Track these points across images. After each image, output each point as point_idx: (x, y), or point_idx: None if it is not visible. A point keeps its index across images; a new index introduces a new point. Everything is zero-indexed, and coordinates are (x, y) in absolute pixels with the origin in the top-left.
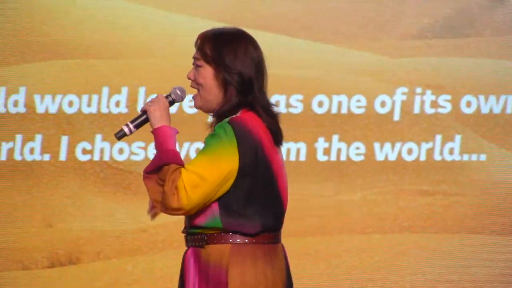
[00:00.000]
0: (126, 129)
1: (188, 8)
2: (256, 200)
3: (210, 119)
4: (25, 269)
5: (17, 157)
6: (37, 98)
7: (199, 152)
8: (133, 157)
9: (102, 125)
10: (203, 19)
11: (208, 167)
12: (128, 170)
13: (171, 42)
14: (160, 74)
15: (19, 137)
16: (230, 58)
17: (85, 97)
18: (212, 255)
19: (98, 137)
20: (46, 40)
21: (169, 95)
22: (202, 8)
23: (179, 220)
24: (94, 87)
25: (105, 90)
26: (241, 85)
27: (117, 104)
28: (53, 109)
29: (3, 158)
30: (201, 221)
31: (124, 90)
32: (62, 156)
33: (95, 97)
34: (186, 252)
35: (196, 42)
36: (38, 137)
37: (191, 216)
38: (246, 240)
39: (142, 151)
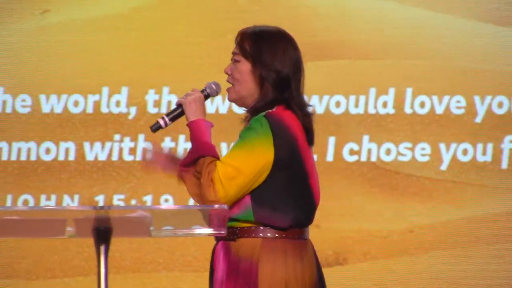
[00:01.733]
0: (161, 122)
1: (452, 8)
2: (289, 195)
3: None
4: None
5: None
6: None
7: (235, 145)
8: (400, 158)
9: (369, 125)
10: (469, 19)
11: (244, 160)
12: (395, 170)
13: (437, 43)
14: (427, 75)
15: None
16: (269, 55)
17: (352, 98)
18: (242, 248)
19: (365, 138)
20: (313, 41)
21: (205, 89)
22: (467, 9)
23: (449, 220)
24: (361, 88)
25: (372, 91)
26: (277, 82)
27: (384, 105)
28: (320, 110)
29: None
30: (233, 213)
31: (391, 91)
32: (329, 157)
33: (362, 98)
34: (216, 245)
35: (236, 38)
36: None
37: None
38: (277, 235)
39: (409, 152)
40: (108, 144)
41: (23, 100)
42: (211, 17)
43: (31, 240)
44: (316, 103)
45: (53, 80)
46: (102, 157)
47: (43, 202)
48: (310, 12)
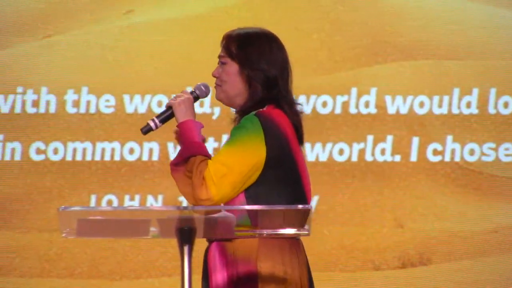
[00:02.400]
0: (152, 124)
1: None
2: (282, 193)
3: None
4: (376, 269)
5: (368, 157)
6: (388, 99)
7: (226, 144)
8: (484, 158)
9: (453, 126)
10: None
11: (235, 158)
12: (479, 171)
13: None
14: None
15: (370, 138)
16: (255, 56)
17: (435, 98)
18: (240, 248)
19: (449, 138)
20: (398, 41)
21: (194, 91)
22: None
23: None
24: (445, 88)
25: (456, 91)
26: (265, 81)
27: (468, 105)
28: (404, 110)
29: (354, 159)
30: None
31: (475, 91)
32: (413, 157)
33: (445, 98)
34: (209, 246)
35: (222, 42)
36: (389, 138)
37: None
38: (269, 235)
39: (493, 152)
40: None
41: (107, 100)
42: (295, 17)
43: (115, 240)
44: (400, 103)
45: (137, 80)
46: None
47: (127, 202)
48: (394, 12)
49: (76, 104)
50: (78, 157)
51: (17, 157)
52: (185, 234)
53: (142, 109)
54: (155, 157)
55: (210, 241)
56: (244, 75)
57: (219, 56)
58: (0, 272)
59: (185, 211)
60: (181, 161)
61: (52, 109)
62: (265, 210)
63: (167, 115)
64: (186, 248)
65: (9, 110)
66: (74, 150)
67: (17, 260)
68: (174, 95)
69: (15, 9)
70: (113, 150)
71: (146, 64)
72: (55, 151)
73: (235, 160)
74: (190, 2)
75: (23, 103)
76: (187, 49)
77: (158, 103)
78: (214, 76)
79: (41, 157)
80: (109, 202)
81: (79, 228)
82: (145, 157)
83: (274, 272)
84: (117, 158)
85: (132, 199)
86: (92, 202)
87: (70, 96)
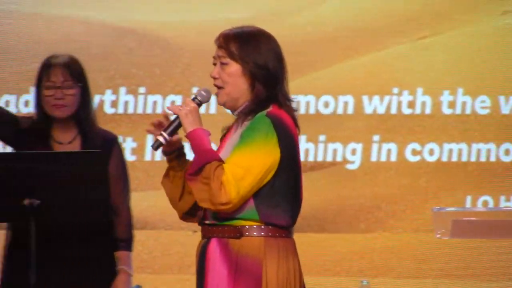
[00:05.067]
0: (161, 139)
1: None
2: (289, 193)
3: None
4: None
5: None
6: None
7: (240, 146)
8: None
9: None
10: None
11: (252, 160)
12: None
13: None
14: None
15: None
16: (256, 54)
17: None
18: (245, 247)
19: None
20: None
21: (196, 97)
22: None
23: None
24: None
25: None
26: (267, 79)
27: None
28: None
29: None
30: (237, 212)
31: None
32: None
33: None
34: (207, 242)
35: (218, 41)
36: None
37: None
38: (277, 234)
39: None
40: None
41: (482, 101)
42: None
43: (489, 241)
44: None
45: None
46: None
47: (502, 203)
48: None
49: (452, 105)
50: (454, 158)
51: (393, 158)
52: None
53: None
54: None
55: (209, 237)
56: (247, 75)
57: (218, 57)
58: (378, 272)
59: None
60: (197, 170)
61: (428, 110)
62: (274, 206)
63: (175, 126)
64: None
65: (384, 111)
66: (450, 151)
67: (394, 260)
68: (177, 105)
69: (389, 10)
70: (488, 151)
71: None
72: (431, 152)
73: (252, 162)
74: None
75: (399, 104)
76: None
77: None
78: (214, 77)
79: (417, 158)
80: (484, 203)
81: (453, 229)
82: None
83: (279, 271)
84: (492, 159)
85: (507, 199)
86: (467, 203)
87: (445, 97)
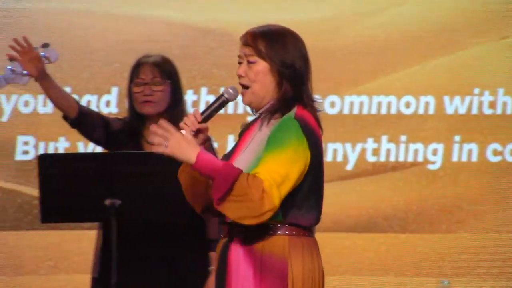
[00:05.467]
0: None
1: None
2: (314, 194)
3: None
4: None
5: None
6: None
7: (273, 151)
8: None
9: None
10: None
11: (288, 166)
12: None
13: None
14: None
15: None
16: (284, 53)
17: None
18: (269, 245)
19: None
20: None
21: (222, 95)
22: None
23: None
24: None
25: None
26: (294, 79)
27: None
28: None
29: None
30: None
31: None
32: None
33: None
34: (228, 243)
35: (245, 39)
36: None
37: None
38: (300, 233)
39: None
40: None
41: None
42: None
43: None
44: None
45: None
46: None
47: None
48: None
49: None
50: None
51: (474, 158)
52: None
53: None
54: None
55: (230, 237)
56: (274, 74)
57: (244, 55)
58: (458, 272)
59: None
60: (227, 192)
61: (509, 111)
62: (299, 208)
63: (210, 112)
64: None
65: (465, 111)
66: None
67: (475, 261)
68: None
69: (471, 10)
70: None
71: None
72: None
73: (289, 168)
74: None
75: (480, 104)
76: None
77: None
78: (240, 75)
79: (498, 158)
80: None
81: None
82: None
83: (304, 270)
84: None
85: None
86: None
87: None
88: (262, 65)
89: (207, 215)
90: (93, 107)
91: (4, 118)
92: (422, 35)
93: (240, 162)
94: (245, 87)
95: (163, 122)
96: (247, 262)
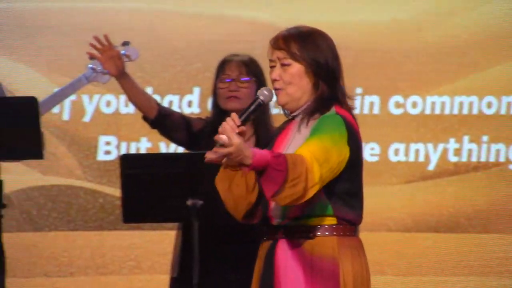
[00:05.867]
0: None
1: None
2: (358, 192)
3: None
4: None
5: None
6: None
7: (314, 137)
8: None
9: None
10: None
11: (328, 151)
12: None
13: None
14: None
15: None
16: (317, 54)
17: None
18: (319, 246)
19: None
20: None
21: (258, 97)
22: None
23: None
24: None
25: None
26: (329, 78)
27: None
28: None
29: None
30: (309, 209)
31: None
32: None
33: None
34: (274, 244)
35: (276, 43)
36: None
37: (294, 206)
38: (348, 233)
39: None
40: None
41: None
42: None
43: None
44: None
45: None
46: None
47: None
48: None
49: None
50: None
51: None
52: None
53: None
54: None
55: (275, 238)
56: (310, 75)
57: (278, 59)
58: None
59: None
60: (284, 181)
61: None
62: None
63: (249, 113)
64: None
65: None
66: None
67: None
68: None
69: None
70: None
71: None
72: None
73: (328, 152)
74: None
75: None
76: None
77: None
78: (275, 79)
79: None
80: None
81: None
82: None
83: (354, 269)
84: None
85: None
86: None
87: None
88: (297, 67)
89: (247, 220)
90: (175, 107)
91: (87, 118)
92: (504, 35)
93: None
94: (279, 90)
95: (234, 116)
96: (296, 264)
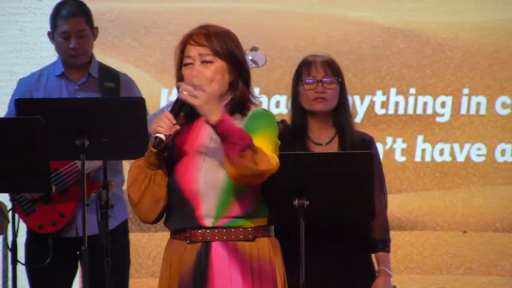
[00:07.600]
0: (161, 136)
1: None
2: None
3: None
4: None
5: None
6: None
7: (260, 133)
8: None
9: None
10: None
11: (273, 146)
12: None
13: None
14: None
15: None
16: (237, 52)
17: None
18: (257, 249)
19: None
20: None
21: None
22: None
23: None
24: None
25: None
26: (247, 78)
27: None
28: None
29: None
30: (250, 209)
31: None
32: None
33: None
34: (206, 247)
35: (196, 39)
36: None
37: (232, 206)
38: (271, 233)
39: None
40: None
41: None
42: None
43: None
44: None
45: None
46: None
47: None
48: None
49: None
50: None
51: None
52: None
53: None
54: None
55: (207, 241)
56: (232, 73)
57: (199, 55)
58: None
59: None
60: (247, 145)
61: None
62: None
63: (177, 109)
64: None
65: None
66: None
67: None
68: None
69: None
70: None
71: None
72: None
73: (274, 147)
74: None
75: None
76: None
77: None
78: (194, 76)
79: None
80: None
81: None
82: None
83: (283, 272)
84: None
85: None
86: None
87: None
88: (219, 64)
89: (155, 222)
90: (282, 107)
91: None
92: None
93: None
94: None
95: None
96: (234, 268)
